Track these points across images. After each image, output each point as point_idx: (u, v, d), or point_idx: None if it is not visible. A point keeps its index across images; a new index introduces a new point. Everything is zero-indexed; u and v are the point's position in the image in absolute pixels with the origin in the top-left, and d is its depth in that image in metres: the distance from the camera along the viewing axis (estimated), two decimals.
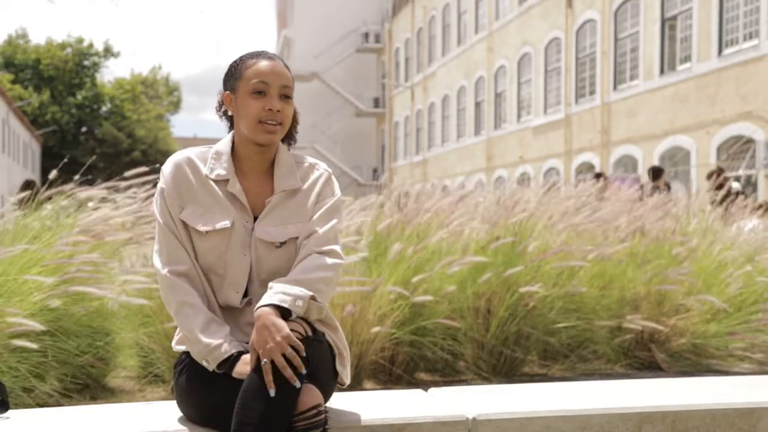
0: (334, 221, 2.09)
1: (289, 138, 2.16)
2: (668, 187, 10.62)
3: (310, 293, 1.93)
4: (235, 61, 2.11)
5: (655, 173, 10.93)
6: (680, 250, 4.87)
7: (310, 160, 2.18)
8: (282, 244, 2.04)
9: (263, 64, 2.05)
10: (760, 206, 6.66)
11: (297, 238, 2.06)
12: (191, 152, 2.12)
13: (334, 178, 2.17)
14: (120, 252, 4.09)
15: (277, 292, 1.90)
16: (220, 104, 2.14)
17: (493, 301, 4.40)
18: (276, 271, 2.04)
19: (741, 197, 6.50)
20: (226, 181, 2.07)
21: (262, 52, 2.10)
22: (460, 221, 4.42)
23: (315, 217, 2.08)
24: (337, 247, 2.06)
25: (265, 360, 1.78)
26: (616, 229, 4.98)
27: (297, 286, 1.93)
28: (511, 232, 4.51)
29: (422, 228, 4.43)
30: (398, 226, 4.31)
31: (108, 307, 3.90)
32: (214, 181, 2.07)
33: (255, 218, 2.07)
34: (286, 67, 2.10)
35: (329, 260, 2.02)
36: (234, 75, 2.08)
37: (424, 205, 4.58)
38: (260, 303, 1.88)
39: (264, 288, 2.01)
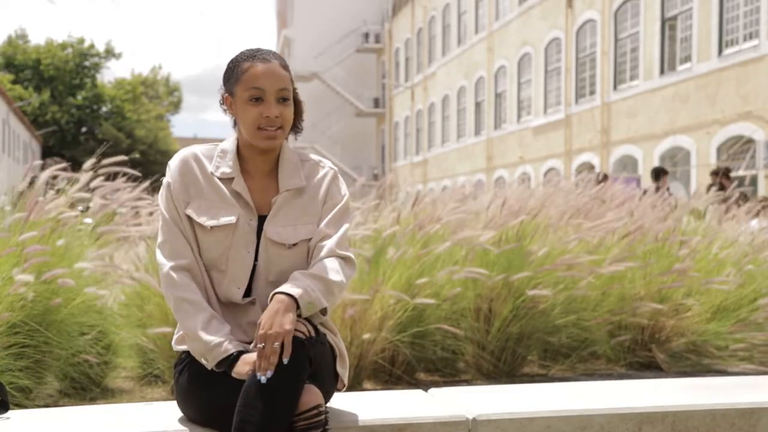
0: (346, 225, 2.10)
1: (295, 129, 2.14)
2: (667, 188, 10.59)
3: (326, 304, 1.95)
4: (232, 61, 2.07)
5: (657, 174, 10.91)
6: (681, 251, 4.86)
7: (314, 157, 2.17)
8: (293, 245, 2.04)
9: (258, 68, 2.01)
10: (761, 201, 6.64)
11: (308, 239, 2.06)
12: (198, 149, 2.12)
13: (340, 177, 2.17)
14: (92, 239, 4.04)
15: (300, 287, 1.91)
16: (223, 99, 2.13)
17: (495, 302, 4.39)
18: (286, 272, 2.03)
19: (744, 198, 6.50)
20: (231, 179, 2.07)
21: (257, 52, 2.06)
22: (466, 234, 4.40)
23: (327, 220, 2.08)
24: (352, 255, 2.08)
25: (262, 344, 1.80)
26: (614, 233, 4.98)
27: (319, 284, 1.94)
28: (514, 235, 4.51)
29: (430, 236, 4.41)
30: (407, 234, 4.29)
31: (98, 303, 3.90)
32: (219, 178, 2.07)
33: (259, 217, 2.07)
34: (284, 66, 2.06)
35: (347, 269, 2.04)
36: (231, 78, 2.05)
37: (434, 212, 4.55)
38: (281, 289, 1.90)
39: (271, 288, 2.02)
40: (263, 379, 1.78)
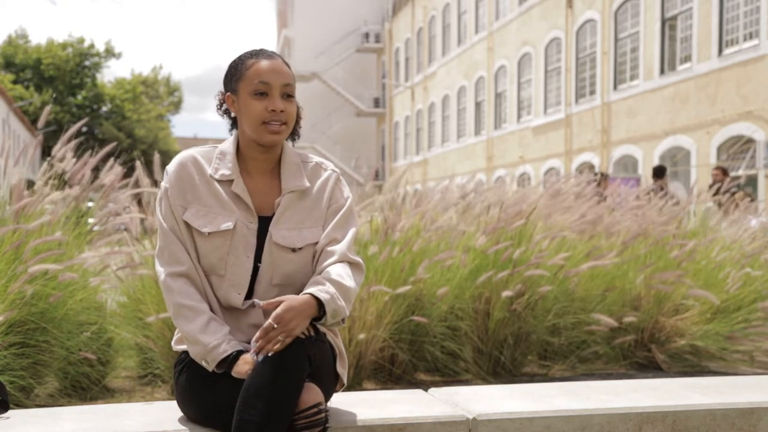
0: (354, 230, 2.10)
1: (293, 134, 2.15)
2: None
3: (346, 314, 1.97)
4: (235, 61, 2.08)
5: (659, 172, 10.92)
6: (679, 253, 4.86)
7: (315, 159, 2.17)
8: (299, 249, 2.04)
9: (263, 63, 2.03)
10: (746, 196, 6.64)
11: (314, 243, 2.06)
12: (196, 151, 2.11)
13: (342, 179, 2.17)
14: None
15: (328, 293, 1.92)
16: (221, 103, 2.13)
17: (491, 302, 4.39)
18: (290, 276, 2.04)
19: (747, 199, 6.49)
20: (231, 181, 2.06)
21: (261, 50, 2.08)
22: (445, 223, 4.38)
23: (333, 224, 2.08)
24: (361, 261, 2.09)
25: (275, 324, 1.82)
26: (618, 234, 4.98)
27: (341, 296, 1.95)
28: (508, 237, 4.50)
29: (411, 232, 4.38)
30: (387, 232, 4.25)
31: (98, 299, 3.90)
32: (218, 181, 2.06)
33: (260, 218, 2.06)
34: (286, 64, 2.08)
35: (357, 275, 2.05)
36: (234, 76, 2.06)
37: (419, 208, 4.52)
38: (312, 291, 1.91)
39: (275, 291, 2.02)
40: (259, 357, 1.82)
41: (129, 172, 4.24)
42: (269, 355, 1.81)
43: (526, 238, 4.56)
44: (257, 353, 1.83)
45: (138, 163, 4.01)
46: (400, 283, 4.04)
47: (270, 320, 1.83)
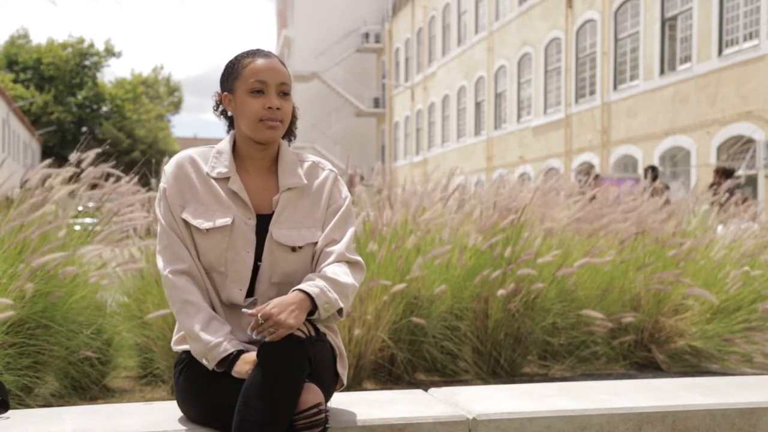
0: (352, 229, 2.12)
1: (289, 134, 2.17)
2: (666, 186, 10.59)
3: (342, 305, 1.97)
4: (231, 61, 2.10)
5: (655, 172, 10.92)
6: (678, 252, 4.85)
7: (312, 158, 2.19)
8: (299, 248, 2.05)
9: (260, 62, 2.05)
10: (744, 200, 6.61)
11: (314, 243, 2.07)
12: (193, 151, 2.13)
13: (340, 179, 2.18)
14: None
15: (318, 287, 1.93)
16: (218, 104, 2.15)
17: (489, 302, 4.39)
18: (290, 274, 2.05)
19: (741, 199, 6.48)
20: (228, 179, 2.07)
21: (258, 50, 2.10)
22: (434, 217, 4.36)
23: (332, 225, 2.09)
24: (360, 259, 2.10)
25: (261, 320, 1.82)
26: (616, 234, 4.98)
27: (334, 289, 1.96)
28: (503, 233, 4.50)
29: (403, 230, 4.37)
30: (377, 229, 4.22)
31: (98, 297, 3.90)
32: (215, 179, 2.07)
33: (258, 216, 2.07)
34: (282, 63, 2.10)
35: (357, 273, 2.07)
36: (231, 75, 2.08)
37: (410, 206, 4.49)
38: (300, 287, 1.92)
39: (274, 289, 2.04)
40: (252, 335, 1.84)
41: (127, 172, 4.25)
42: (267, 340, 1.82)
43: (520, 236, 4.56)
44: (253, 331, 1.85)
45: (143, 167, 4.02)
46: (396, 282, 4.04)
47: (258, 315, 1.84)
